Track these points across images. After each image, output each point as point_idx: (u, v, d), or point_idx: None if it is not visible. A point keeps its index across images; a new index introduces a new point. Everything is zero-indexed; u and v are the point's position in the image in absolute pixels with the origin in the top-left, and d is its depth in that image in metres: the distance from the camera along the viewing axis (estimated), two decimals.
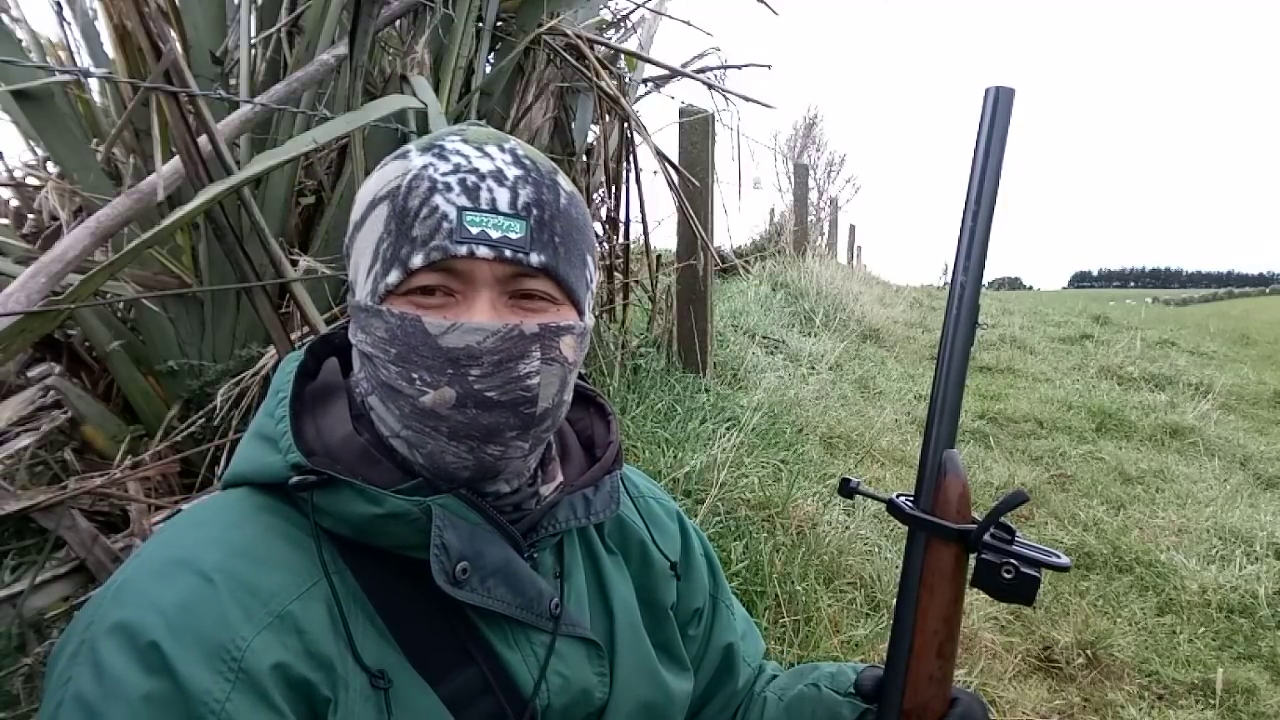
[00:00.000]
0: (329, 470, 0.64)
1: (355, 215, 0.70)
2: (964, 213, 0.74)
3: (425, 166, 0.65)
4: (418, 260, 0.64)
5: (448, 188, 0.64)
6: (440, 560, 0.65)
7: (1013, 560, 0.70)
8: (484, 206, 0.64)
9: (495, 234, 0.64)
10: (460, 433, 0.65)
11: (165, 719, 0.55)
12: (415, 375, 0.64)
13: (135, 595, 0.60)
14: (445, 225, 0.63)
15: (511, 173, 0.66)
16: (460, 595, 0.66)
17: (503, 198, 0.65)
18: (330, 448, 0.69)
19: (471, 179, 0.65)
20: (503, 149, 0.68)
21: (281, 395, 0.70)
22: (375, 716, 0.63)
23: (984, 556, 0.71)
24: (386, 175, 0.67)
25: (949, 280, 0.76)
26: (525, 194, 0.66)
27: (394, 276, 0.64)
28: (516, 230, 0.65)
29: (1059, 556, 0.71)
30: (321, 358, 0.77)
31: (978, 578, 0.72)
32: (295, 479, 0.64)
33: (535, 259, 0.65)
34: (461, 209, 0.63)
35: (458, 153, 0.66)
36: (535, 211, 0.66)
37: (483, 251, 0.63)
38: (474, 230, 0.63)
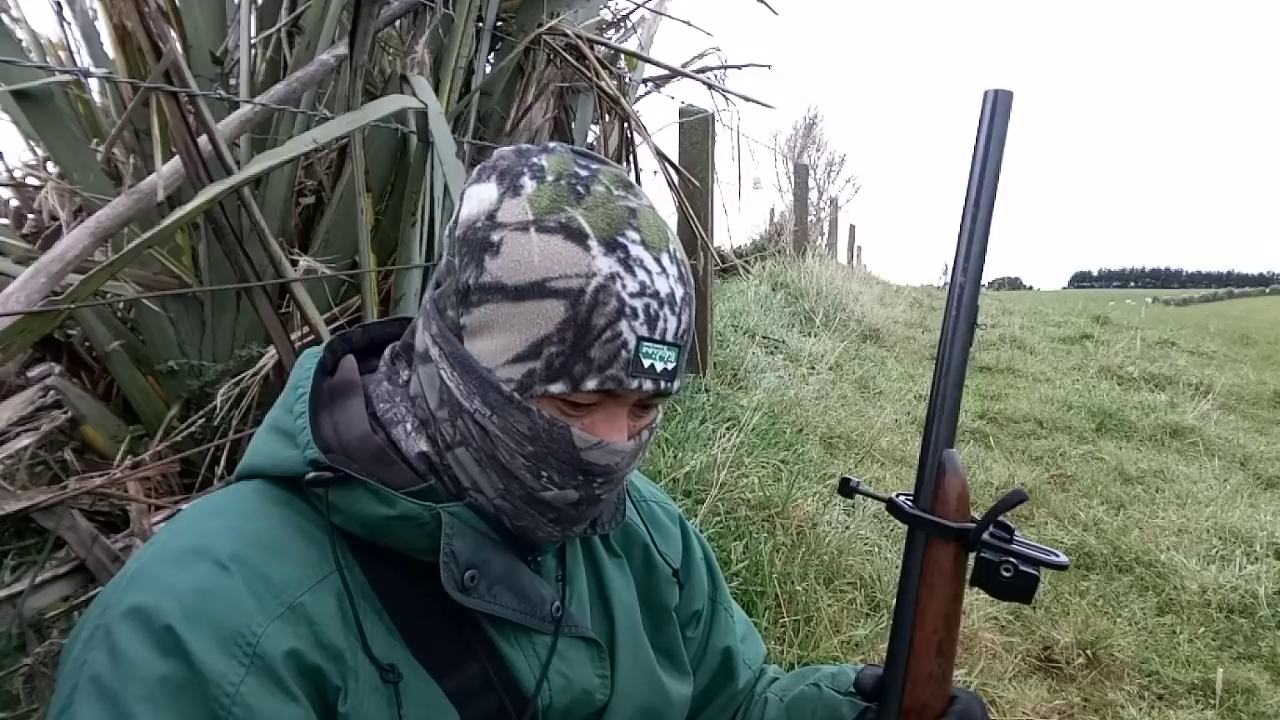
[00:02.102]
0: (345, 468, 0.65)
1: (505, 277, 0.63)
2: (963, 214, 0.75)
3: (612, 278, 0.63)
4: (591, 385, 0.63)
5: (634, 314, 0.63)
6: (450, 568, 0.66)
7: (1011, 559, 0.70)
8: (657, 337, 0.64)
9: (659, 366, 0.65)
10: (564, 520, 0.70)
11: (181, 700, 0.56)
12: (545, 473, 0.67)
13: (151, 581, 0.61)
14: (624, 355, 0.63)
15: (679, 293, 0.66)
16: (468, 602, 0.67)
17: (672, 328, 0.65)
18: (346, 445, 0.69)
19: (653, 306, 0.64)
20: (671, 256, 0.67)
21: (301, 391, 0.70)
22: (384, 708, 0.64)
23: (983, 555, 0.72)
24: (560, 260, 0.63)
25: (949, 280, 0.76)
26: (685, 320, 0.67)
27: (559, 388, 0.64)
28: (672, 361, 0.66)
29: (1058, 555, 0.71)
30: (339, 355, 0.78)
31: (977, 576, 0.72)
32: (312, 475, 0.64)
33: (675, 385, 0.68)
34: (641, 339, 0.63)
35: (641, 264, 0.64)
36: (686, 338, 0.68)
37: (648, 386, 0.65)
38: (646, 363, 0.64)
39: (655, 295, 0.64)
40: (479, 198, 0.67)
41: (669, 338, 0.65)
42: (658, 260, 0.65)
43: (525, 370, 0.64)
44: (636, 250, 0.64)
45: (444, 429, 0.69)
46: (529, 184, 0.65)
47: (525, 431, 0.65)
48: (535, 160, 0.67)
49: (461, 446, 0.68)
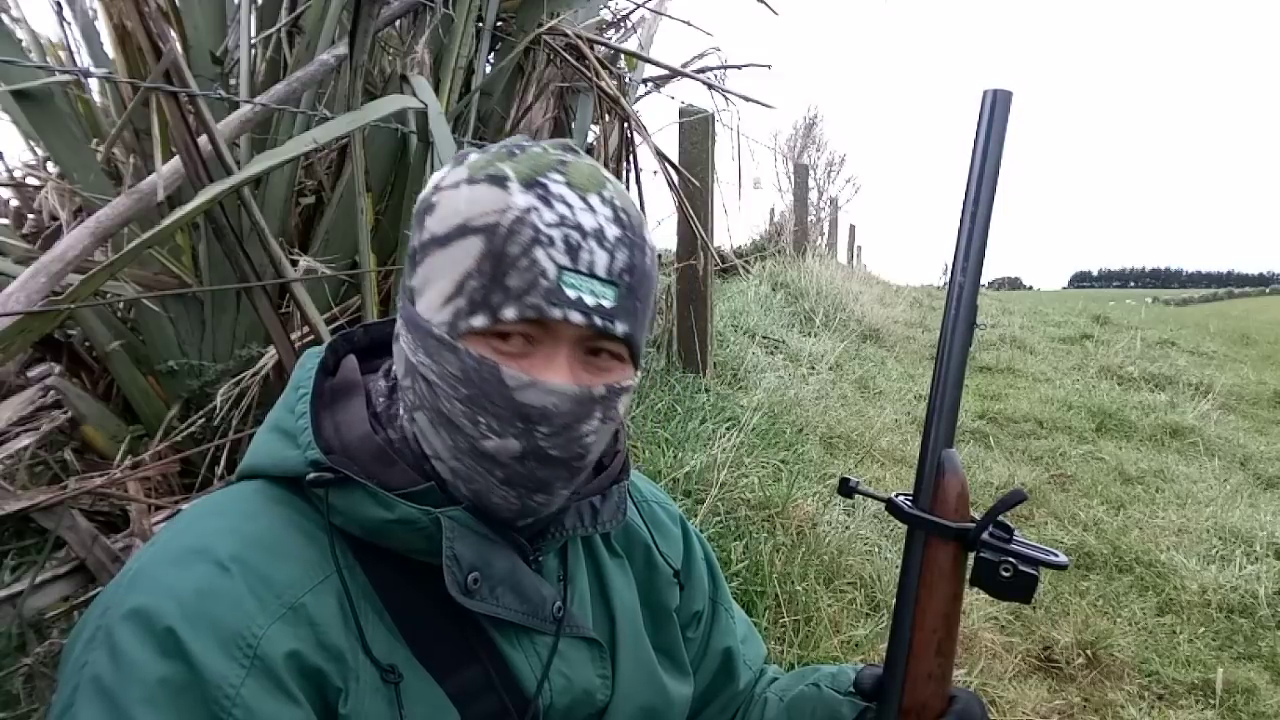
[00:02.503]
0: (345, 470, 0.65)
1: (436, 227, 0.66)
2: (962, 214, 0.75)
3: (528, 210, 0.63)
4: (510, 314, 0.63)
5: (550, 242, 0.63)
6: (453, 571, 0.66)
7: (1011, 558, 0.70)
8: (583, 269, 0.63)
9: (590, 300, 0.63)
10: (514, 481, 0.67)
11: (181, 702, 0.56)
12: (482, 419, 0.65)
13: (152, 582, 0.61)
14: (543, 283, 0.62)
15: (611, 232, 0.65)
16: (472, 604, 0.67)
17: (601, 261, 0.64)
18: (347, 446, 0.69)
19: (575, 236, 0.63)
20: (604, 199, 0.66)
21: (302, 391, 0.70)
22: (385, 709, 0.64)
23: (983, 555, 0.72)
24: (481, 202, 0.64)
25: (948, 280, 0.76)
26: (621, 259, 0.65)
27: (480, 321, 0.63)
28: (609, 298, 0.64)
29: (1057, 555, 0.71)
30: (341, 355, 0.77)
31: (976, 576, 0.72)
32: (312, 475, 0.64)
33: (620, 328, 0.66)
34: (561, 268, 0.63)
35: (562, 199, 0.64)
36: (627, 278, 0.66)
37: (575, 318, 0.63)
38: (570, 294, 0.63)
39: (577, 227, 0.64)
40: (433, 180, 0.70)
41: (599, 272, 0.64)
42: (583, 199, 0.65)
43: (453, 310, 0.64)
44: (558, 188, 0.65)
45: (407, 397, 0.69)
46: (474, 155, 0.68)
47: (456, 373, 0.64)
48: (491, 145, 0.70)
49: (419, 410, 0.68)
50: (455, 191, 0.66)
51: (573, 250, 0.63)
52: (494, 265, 0.63)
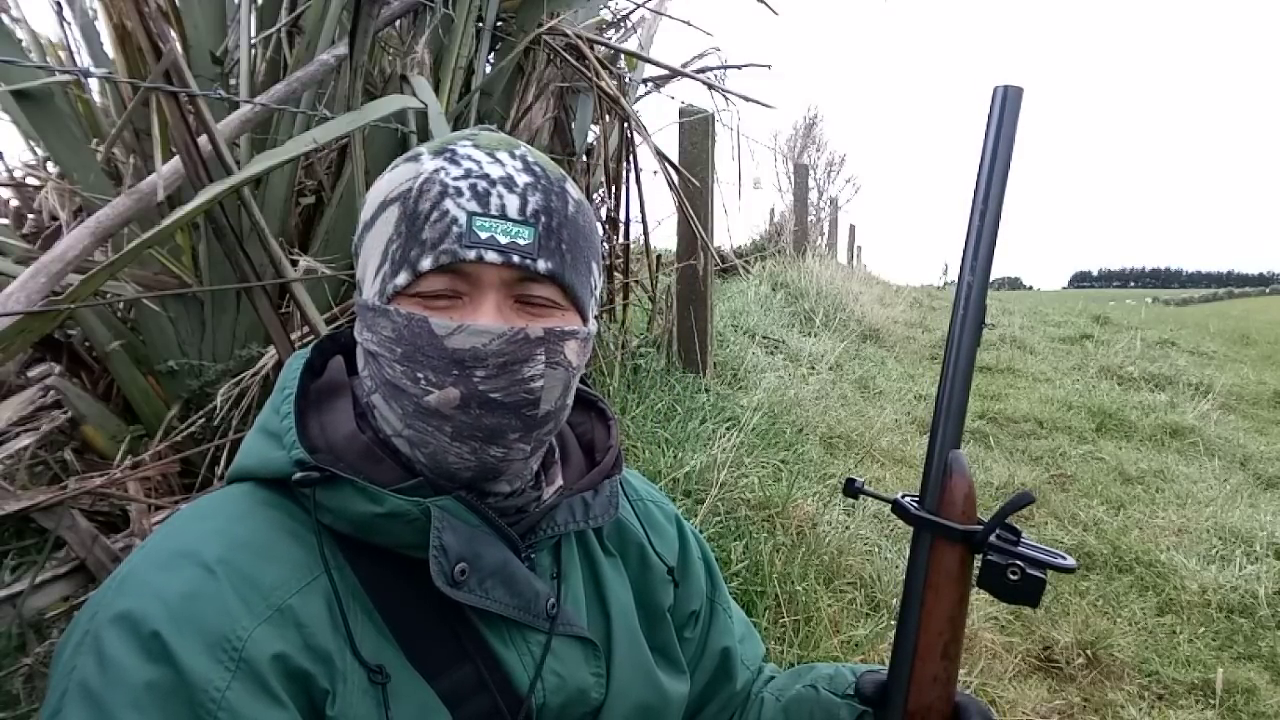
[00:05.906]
0: (331, 468, 0.65)
1: (365, 215, 0.70)
2: (971, 212, 0.74)
3: (436, 170, 0.66)
4: (427, 263, 0.64)
5: (458, 192, 0.65)
6: (439, 561, 0.65)
7: (1018, 561, 0.70)
8: (493, 212, 0.65)
9: (504, 239, 0.64)
10: (463, 433, 0.66)
11: (167, 706, 0.56)
12: (420, 375, 0.65)
13: (139, 585, 0.61)
14: (455, 229, 0.64)
15: (521, 179, 0.67)
16: (458, 596, 0.66)
17: (512, 204, 0.65)
18: (334, 445, 0.69)
19: (482, 184, 0.65)
20: (513, 155, 0.68)
21: (287, 392, 0.71)
22: (373, 710, 0.63)
23: (989, 558, 0.71)
24: (397, 177, 0.68)
25: (952, 280, 0.76)
26: (534, 201, 0.66)
27: (402, 278, 0.65)
28: (525, 237, 0.65)
29: (1064, 557, 0.71)
30: (328, 356, 0.78)
31: (983, 579, 0.72)
32: (298, 475, 0.64)
33: (542, 265, 0.66)
34: (471, 214, 0.64)
35: (469, 158, 0.67)
36: (544, 218, 0.66)
37: (491, 257, 0.64)
38: (483, 235, 0.64)
39: (484, 177, 0.66)
40: None
41: (511, 214, 0.65)
42: (491, 155, 0.67)
43: (381, 278, 0.67)
44: (465, 150, 0.68)
45: (365, 384, 0.71)
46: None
47: (390, 334, 0.66)
48: None
49: (374, 393, 0.69)
50: (379, 182, 0.70)
51: (481, 196, 0.65)
52: (409, 224, 0.65)
